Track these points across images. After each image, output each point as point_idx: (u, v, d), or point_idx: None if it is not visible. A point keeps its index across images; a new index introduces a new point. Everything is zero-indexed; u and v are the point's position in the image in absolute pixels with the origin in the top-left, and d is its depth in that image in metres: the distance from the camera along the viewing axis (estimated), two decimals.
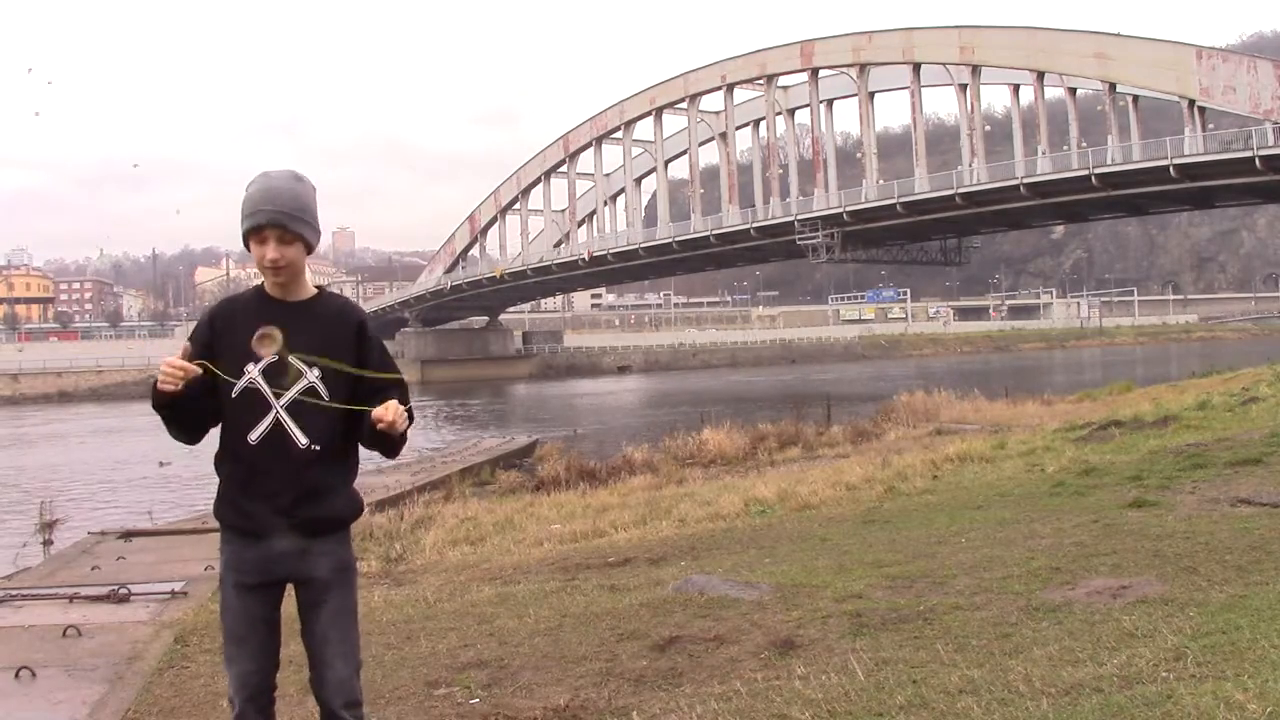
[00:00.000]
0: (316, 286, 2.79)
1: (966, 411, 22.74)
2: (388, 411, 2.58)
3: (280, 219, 2.64)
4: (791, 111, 63.01)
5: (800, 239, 54.07)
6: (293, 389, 2.65)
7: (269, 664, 2.72)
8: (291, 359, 2.65)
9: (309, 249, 2.73)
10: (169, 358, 2.61)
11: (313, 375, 2.66)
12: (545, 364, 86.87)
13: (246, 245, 2.72)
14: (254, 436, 2.64)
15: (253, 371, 2.65)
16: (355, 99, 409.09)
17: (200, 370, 2.60)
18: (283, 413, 2.64)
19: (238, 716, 2.70)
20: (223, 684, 4.38)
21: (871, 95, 55.86)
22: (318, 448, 2.65)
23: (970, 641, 4.05)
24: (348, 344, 2.70)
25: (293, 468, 2.64)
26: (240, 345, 2.67)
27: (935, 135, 73.63)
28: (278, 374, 2.65)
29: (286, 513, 2.64)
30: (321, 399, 2.65)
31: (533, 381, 77.66)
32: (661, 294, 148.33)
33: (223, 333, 2.71)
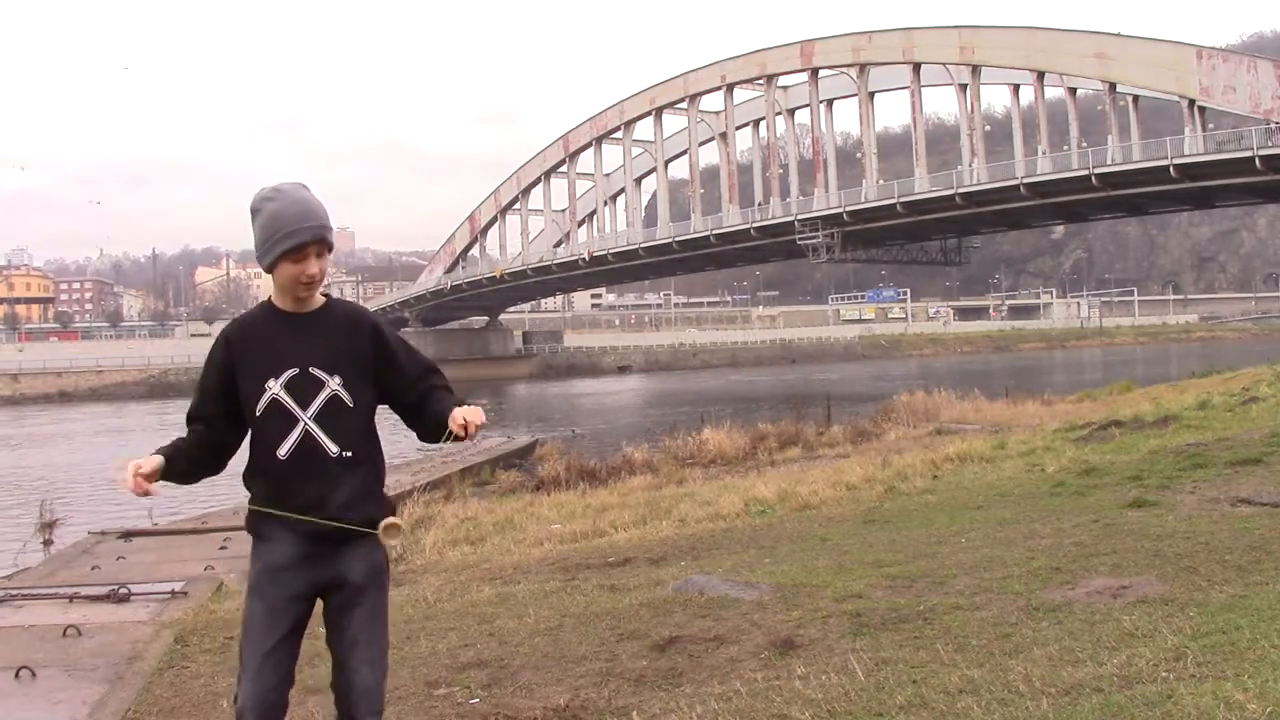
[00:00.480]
0: (323, 294, 2.78)
1: (966, 411, 22.74)
2: (457, 422, 2.60)
3: (322, 233, 2.64)
4: (791, 111, 63.03)
5: (800, 239, 54.08)
6: (318, 399, 2.64)
7: (288, 680, 2.67)
8: (313, 370, 2.66)
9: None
10: (122, 478, 2.58)
11: (335, 383, 2.66)
12: (545, 364, 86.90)
13: (270, 267, 2.67)
14: (283, 451, 2.62)
15: (274, 387, 2.64)
16: (355, 99, 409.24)
17: (158, 464, 2.62)
18: (311, 424, 2.63)
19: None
20: (223, 684, 4.39)
21: (871, 95, 55.88)
22: (350, 454, 2.65)
23: (970, 641, 4.05)
24: (365, 350, 2.70)
25: (327, 477, 2.63)
26: (258, 361, 2.67)
27: (935, 135, 73.63)
28: (302, 386, 2.65)
29: (339, 519, 2.62)
30: (347, 406, 2.66)
31: (533, 381, 77.66)
32: (661, 294, 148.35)
33: (240, 351, 2.69)
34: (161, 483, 2.66)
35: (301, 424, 2.63)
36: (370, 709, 2.64)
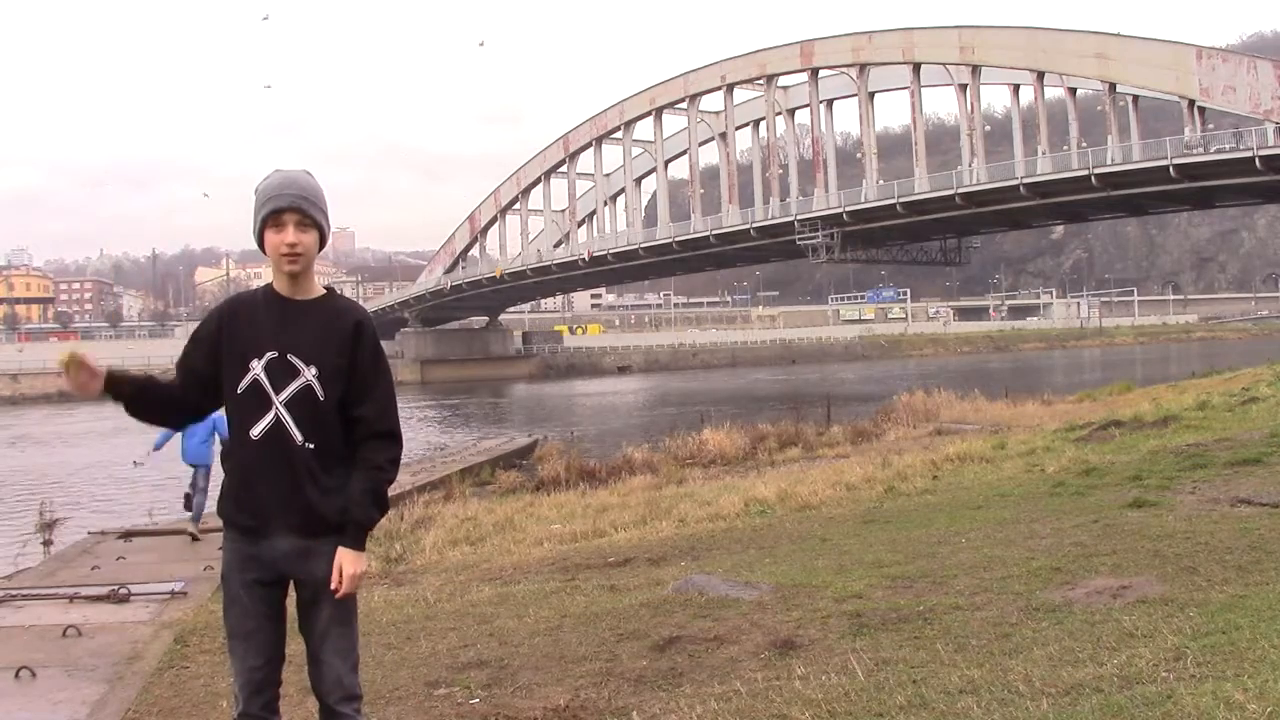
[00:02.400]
0: (326, 287, 2.81)
1: (966, 411, 22.72)
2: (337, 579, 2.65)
3: (300, 203, 2.68)
4: (791, 111, 62.95)
5: (800, 239, 54.05)
6: (287, 388, 2.67)
7: (274, 660, 2.72)
8: (290, 358, 2.67)
9: (321, 243, 2.76)
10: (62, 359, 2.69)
11: (310, 374, 2.67)
12: (545, 364, 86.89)
13: (260, 242, 2.74)
14: (255, 432, 2.66)
15: (256, 368, 2.67)
16: (357, 100, 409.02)
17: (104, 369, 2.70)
18: (282, 409, 2.66)
19: (241, 714, 2.70)
20: (223, 684, 4.39)
21: (871, 95, 55.83)
22: (312, 446, 2.66)
23: (970, 641, 4.05)
24: (344, 344, 2.71)
25: (291, 465, 2.65)
26: (243, 340, 2.70)
27: (935, 135, 73.58)
28: (279, 371, 2.67)
29: (286, 510, 2.65)
30: (318, 398, 2.67)
31: (533, 381, 77.66)
32: (661, 294, 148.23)
33: (229, 329, 2.73)
34: (127, 414, 2.76)
35: (274, 409, 2.66)
36: (342, 696, 2.70)
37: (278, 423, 2.66)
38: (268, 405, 2.66)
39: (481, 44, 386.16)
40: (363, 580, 2.70)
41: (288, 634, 2.76)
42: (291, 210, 2.68)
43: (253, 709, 2.69)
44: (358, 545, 2.67)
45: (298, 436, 2.66)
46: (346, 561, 2.64)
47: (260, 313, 2.73)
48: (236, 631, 2.70)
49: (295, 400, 2.66)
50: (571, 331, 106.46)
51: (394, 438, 2.74)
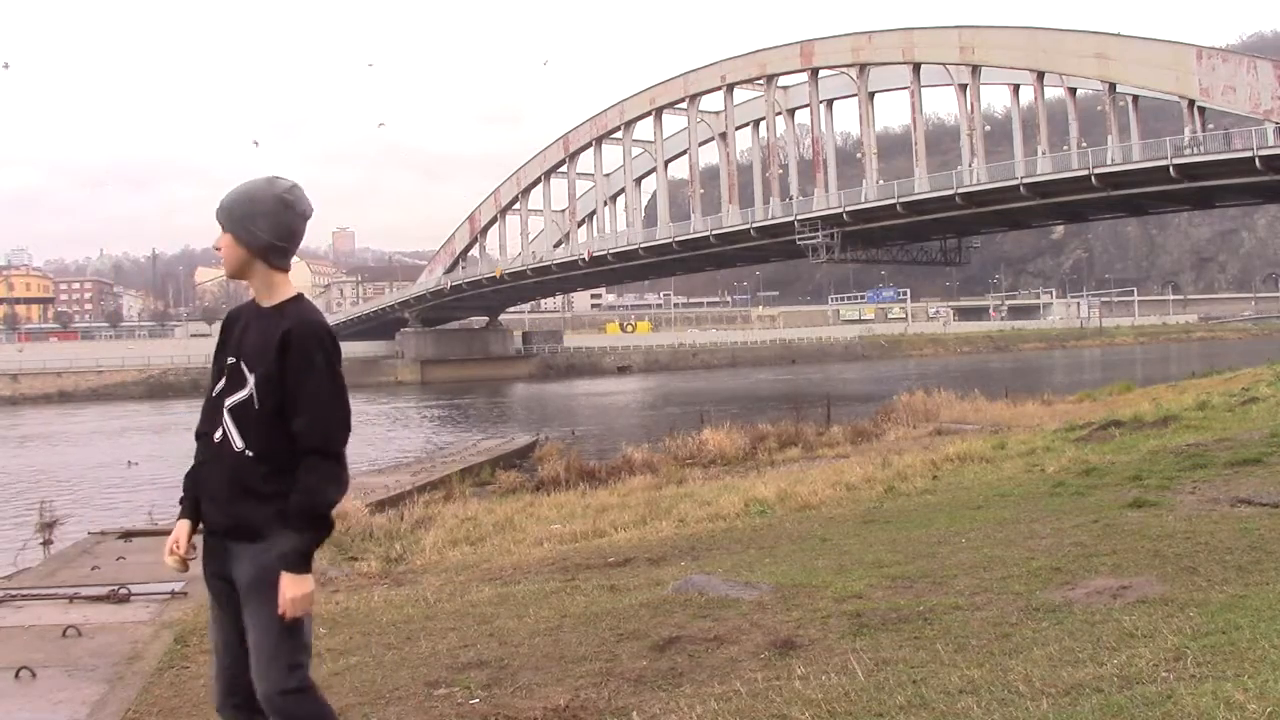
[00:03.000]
0: (300, 294, 2.86)
1: (966, 411, 22.73)
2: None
3: (219, 214, 2.77)
4: (791, 111, 62.92)
5: (800, 239, 54.05)
6: (235, 394, 2.71)
7: (241, 659, 2.71)
8: (241, 364, 2.74)
9: (252, 250, 2.74)
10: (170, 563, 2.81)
11: (251, 380, 2.71)
12: (545, 364, 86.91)
13: None
14: (217, 436, 2.73)
15: (223, 374, 2.78)
16: (357, 100, 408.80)
17: (186, 528, 2.81)
18: (226, 415, 2.71)
19: (217, 709, 2.77)
20: None
21: (871, 95, 55.81)
22: (250, 453, 2.68)
23: (970, 641, 4.05)
24: (275, 351, 2.68)
25: (230, 470, 2.69)
26: (221, 346, 2.82)
27: (935, 135, 73.58)
28: (233, 378, 2.74)
29: (223, 514, 2.70)
30: (253, 407, 2.69)
31: (533, 381, 77.69)
32: (661, 294, 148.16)
33: (221, 337, 2.85)
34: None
35: (223, 414, 2.72)
36: (272, 710, 2.67)
37: (224, 428, 2.71)
38: (220, 411, 2.73)
39: (545, 62, 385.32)
40: (310, 602, 2.63)
41: None
42: (219, 219, 2.78)
43: (225, 709, 2.74)
44: (293, 568, 2.60)
45: (237, 443, 2.69)
46: (286, 585, 2.60)
47: (238, 319, 2.84)
48: (211, 623, 2.79)
49: (237, 407, 2.70)
50: (623, 329, 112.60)
51: (324, 454, 2.64)
